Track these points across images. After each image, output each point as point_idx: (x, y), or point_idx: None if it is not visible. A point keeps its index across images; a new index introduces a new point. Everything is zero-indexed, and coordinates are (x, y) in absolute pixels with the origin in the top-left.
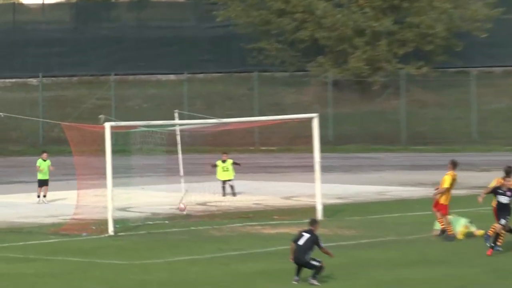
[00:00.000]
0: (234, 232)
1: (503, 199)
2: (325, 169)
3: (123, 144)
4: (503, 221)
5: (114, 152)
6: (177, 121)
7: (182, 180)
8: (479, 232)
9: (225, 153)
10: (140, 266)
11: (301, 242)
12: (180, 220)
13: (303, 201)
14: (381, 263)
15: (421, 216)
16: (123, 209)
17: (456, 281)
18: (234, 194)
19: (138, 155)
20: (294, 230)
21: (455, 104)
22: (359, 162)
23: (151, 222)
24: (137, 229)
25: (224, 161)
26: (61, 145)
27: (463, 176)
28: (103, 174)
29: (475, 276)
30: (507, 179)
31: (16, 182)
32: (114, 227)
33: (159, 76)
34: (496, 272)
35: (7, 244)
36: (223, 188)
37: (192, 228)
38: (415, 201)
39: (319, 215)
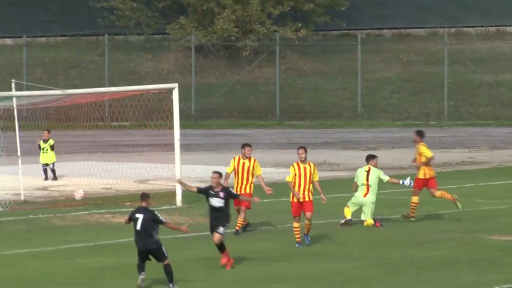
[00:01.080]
0: (80, 221)
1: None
2: (186, 148)
3: None
4: None
5: None
6: (14, 92)
7: (20, 160)
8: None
9: (47, 130)
10: None
11: (138, 227)
12: (18, 207)
13: (161, 185)
14: (251, 256)
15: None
16: None
17: (336, 277)
18: (55, 178)
19: None
20: None
21: (338, 73)
22: (226, 140)
23: None
24: None
25: (45, 141)
26: None
27: (346, 155)
28: None
29: (358, 270)
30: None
31: None
32: None
33: None
34: (384, 267)
35: None
36: (45, 171)
37: (31, 216)
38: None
39: (179, 201)
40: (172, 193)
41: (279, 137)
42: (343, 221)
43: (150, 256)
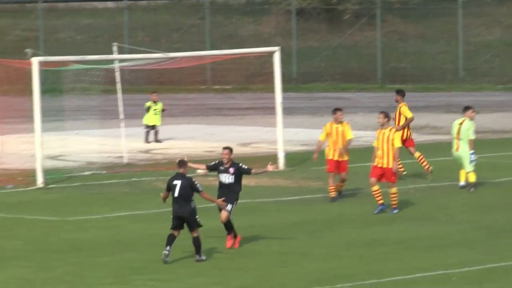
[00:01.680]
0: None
1: None
2: (288, 111)
3: (54, 83)
4: None
5: (43, 92)
6: (116, 56)
7: (122, 124)
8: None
9: (155, 92)
10: (74, 223)
11: (176, 193)
12: (120, 170)
13: (263, 148)
14: (352, 220)
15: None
16: (54, 158)
17: (439, 240)
18: (158, 140)
19: (71, 95)
20: (252, 182)
21: (439, 36)
22: (327, 103)
23: (86, 173)
24: (70, 181)
25: (155, 102)
26: None
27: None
28: (31, 118)
29: (461, 233)
30: None
31: None
32: (44, 178)
33: (95, 3)
34: (486, 230)
35: None
36: (147, 133)
37: (134, 179)
38: None
39: (281, 164)
40: (274, 157)
41: (381, 100)
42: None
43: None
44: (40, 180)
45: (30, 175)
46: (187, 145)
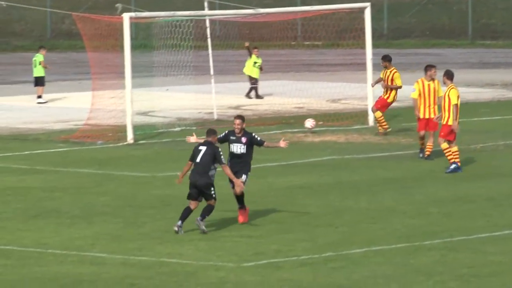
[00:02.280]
0: (272, 140)
1: None
2: (378, 67)
3: (144, 38)
4: None
5: (133, 47)
6: (207, 11)
7: (213, 80)
8: None
9: (256, 48)
10: (163, 179)
11: (198, 159)
12: (210, 126)
13: (352, 104)
14: (441, 177)
15: (487, 122)
16: (145, 114)
17: None
18: (259, 96)
19: (161, 51)
20: (342, 138)
21: None
22: (418, 59)
23: (176, 129)
24: (160, 137)
25: (258, 57)
26: (72, 39)
27: None
28: (121, 73)
29: None
30: None
31: (20, 82)
32: (134, 134)
33: None
34: None
35: (10, 154)
36: (253, 89)
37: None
38: (481, 104)
39: (370, 120)
40: (364, 113)
41: (471, 56)
42: None
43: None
44: (130, 136)
45: (120, 131)
46: (276, 101)
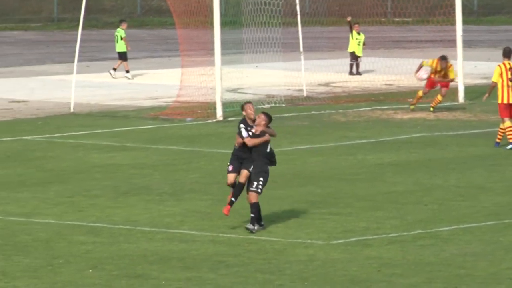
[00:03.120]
0: (362, 117)
1: None
2: (468, 44)
3: (234, 15)
4: None
5: (223, 24)
6: None
7: (302, 57)
8: None
9: (357, 23)
10: None
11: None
12: (300, 103)
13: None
14: None
15: None
16: (234, 91)
17: None
18: (359, 73)
19: (250, 28)
20: (431, 115)
21: None
22: (509, 36)
23: (266, 106)
24: None
25: (358, 33)
26: (162, 16)
27: None
28: (211, 50)
29: None
30: None
31: (110, 59)
32: (223, 111)
33: None
34: None
35: (100, 130)
36: (351, 65)
37: (313, 112)
38: None
39: (461, 97)
40: (454, 90)
41: None
42: None
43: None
44: (219, 113)
45: (209, 108)
46: (366, 78)
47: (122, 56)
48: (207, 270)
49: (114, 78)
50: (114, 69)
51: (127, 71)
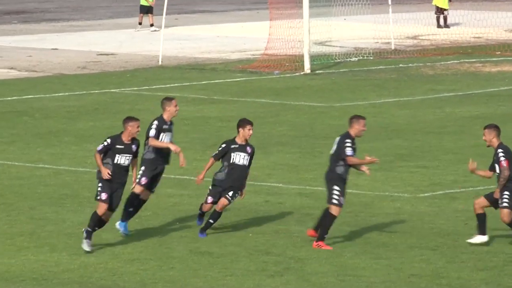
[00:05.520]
0: (449, 70)
1: None
2: None
3: None
4: None
5: None
6: None
7: (390, 9)
8: None
9: None
10: (340, 109)
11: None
12: (387, 56)
13: None
14: None
15: None
16: (322, 43)
17: None
18: (447, 26)
19: None
20: None
21: None
22: None
23: (354, 59)
24: (337, 67)
25: None
26: None
27: None
28: (299, 2)
29: None
30: None
31: (198, 11)
32: (311, 64)
33: None
34: None
35: (188, 83)
36: (438, 18)
37: (401, 65)
38: None
39: None
40: None
41: None
42: None
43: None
44: (307, 66)
45: (297, 61)
46: (454, 31)
47: (142, 9)
48: (294, 222)
49: (156, 30)
50: (152, 25)
51: (151, 25)
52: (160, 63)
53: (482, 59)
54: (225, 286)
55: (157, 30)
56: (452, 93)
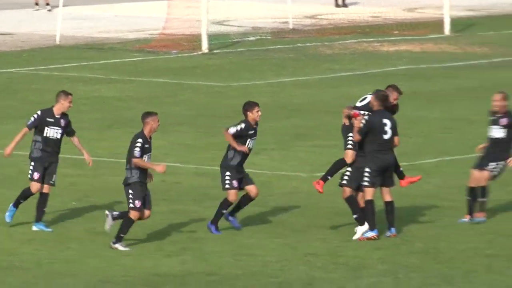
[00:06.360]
0: (347, 50)
1: None
2: None
3: None
4: None
5: None
6: None
7: None
8: None
9: None
10: (238, 89)
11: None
12: (285, 35)
13: (429, 13)
14: None
15: None
16: (219, 23)
17: None
18: (345, 5)
19: None
20: (417, 48)
21: None
22: None
23: (251, 38)
24: (235, 46)
25: None
26: None
27: None
28: None
29: None
30: None
31: None
32: (209, 43)
33: None
34: None
35: (86, 63)
36: None
37: (299, 45)
38: None
39: (447, 29)
40: (440, 22)
41: None
42: None
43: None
44: (205, 46)
45: (195, 40)
46: (352, 10)
47: None
48: (191, 202)
49: (50, 10)
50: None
51: (36, 4)
52: (57, 42)
53: (380, 39)
54: (121, 266)
55: (50, 10)
56: (350, 72)
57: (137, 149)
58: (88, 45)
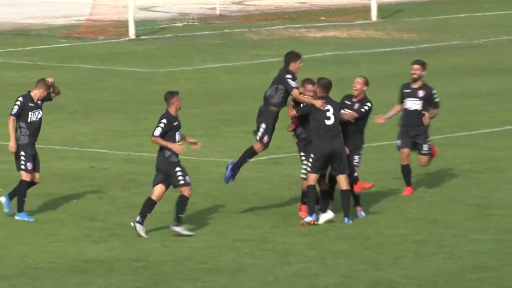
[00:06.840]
0: (275, 36)
1: None
2: None
3: None
4: None
5: None
6: None
7: None
8: None
9: None
10: (165, 75)
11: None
12: (212, 21)
13: None
14: (444, 72)
15: (491, 17)
16: (146, 9)
17: None
18: None
19: None
20: (344, 34)
21: None
22: None
23: (178, 24)
24: (162, 32)
25: None
26: None
27: None
28: None
29: None
30: None
31: None
32: (136, 29)
33: None
34: None
35: (13, 49)
36: None
37: (226, 31)
38: None
39: (374, 15)
40: (367, 8)
41: None
42: None
43: None
44: (132, 32)
45: (122, 26)
46: None
47: None
48: (119, 189)
49: None
50: None
51: None
52: None
53: (307, 25)
54: (49, 252)
55: None
56: (277, 58)
57: (159, 128)
58: (15, 31)
